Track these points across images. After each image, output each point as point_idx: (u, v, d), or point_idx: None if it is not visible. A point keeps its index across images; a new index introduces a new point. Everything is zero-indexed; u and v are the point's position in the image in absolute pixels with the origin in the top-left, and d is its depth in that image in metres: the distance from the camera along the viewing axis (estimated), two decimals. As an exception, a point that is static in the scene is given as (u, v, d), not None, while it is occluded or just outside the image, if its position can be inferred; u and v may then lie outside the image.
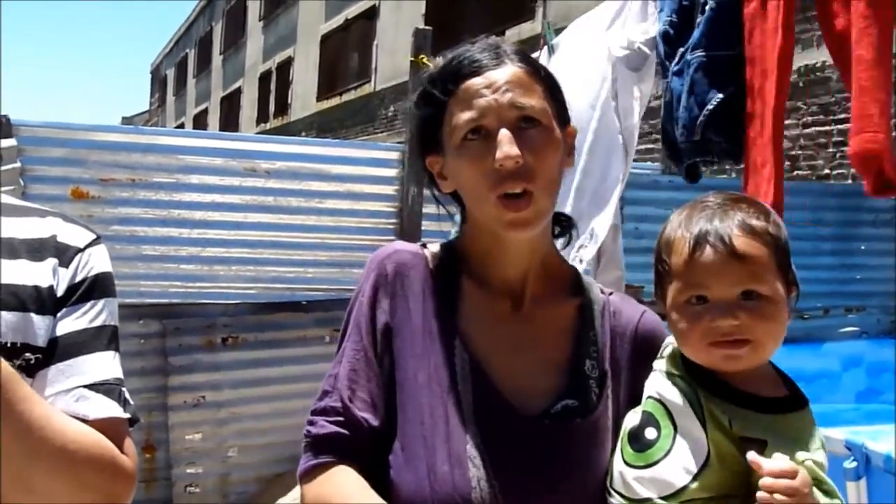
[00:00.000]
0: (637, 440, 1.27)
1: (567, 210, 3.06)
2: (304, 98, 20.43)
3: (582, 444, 1.29)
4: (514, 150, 1.22)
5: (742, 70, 2.74)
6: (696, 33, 2.84)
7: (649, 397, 1.30)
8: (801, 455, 1.16)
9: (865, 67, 2.20)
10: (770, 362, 1.29)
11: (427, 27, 5.60)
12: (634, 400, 1.33)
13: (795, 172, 6.56)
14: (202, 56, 32.77)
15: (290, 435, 5.33)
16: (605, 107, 3.27)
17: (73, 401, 1.13)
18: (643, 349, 1.37)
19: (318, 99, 19.49)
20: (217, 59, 30.20)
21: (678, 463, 1.22)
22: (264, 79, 23.95)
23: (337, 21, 18.63)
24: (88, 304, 1.20)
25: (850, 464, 3.17)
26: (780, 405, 1.24)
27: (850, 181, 7.22)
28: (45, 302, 1.16)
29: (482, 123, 1.26)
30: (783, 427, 1.21)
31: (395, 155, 5.57)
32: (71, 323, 1.17)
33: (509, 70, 1.29)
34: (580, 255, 3.17)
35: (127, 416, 1.19)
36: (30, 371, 1.12)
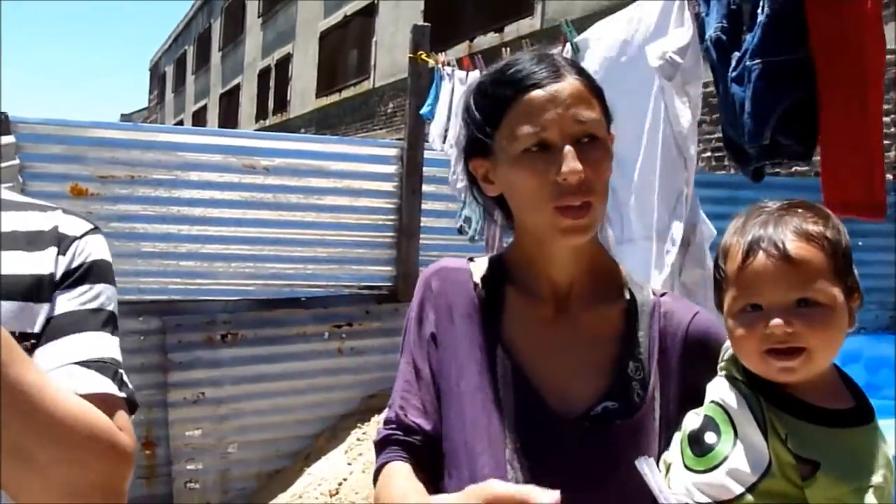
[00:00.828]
0: (697, 444, 1.25)
1: (632, 221, 3.11)
2: (304, 95, 20.41)
3: (624, 446, 1.28)
4: (579, 166, 1.24)
5: (807, 73, 2.75)
6: (753, 39, 2.85)
7: (711, 401, 1.27)
8: (852, 484, 1.13)
9: None
10: (837, 369, 1.26)
11: (426, 24, 5.61)
12: (688, 400, 1.32)
13: (794, 169, 6.56)
14: (201, 53, 32.73)
15: (290, 431, 5.37)
16: (654, 115, 3.29)
17: (65, 377, 1.10)
18: (695, 349, 1.36)
19: (318, 95, 19.46)
20: (216, 56, 30.15)
21: (738, 469, 1.19)
22: (263, 75, 23.92)
23: (336, 18, 18.60)
24: (84, 287, 1.19)
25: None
26: (841, 418, 1.20)
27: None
28: (45, 290, 1.16)
29: (545, 136, 1.27)
30: (841, 444, 1.17)
31: (393, 151, 5.59)
32: (65, 304, 1.17)
33: (570, 83, 1.30)
34: (665, 260, 3.20)
35: (123, 395, 1.15)
36: None
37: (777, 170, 6.69)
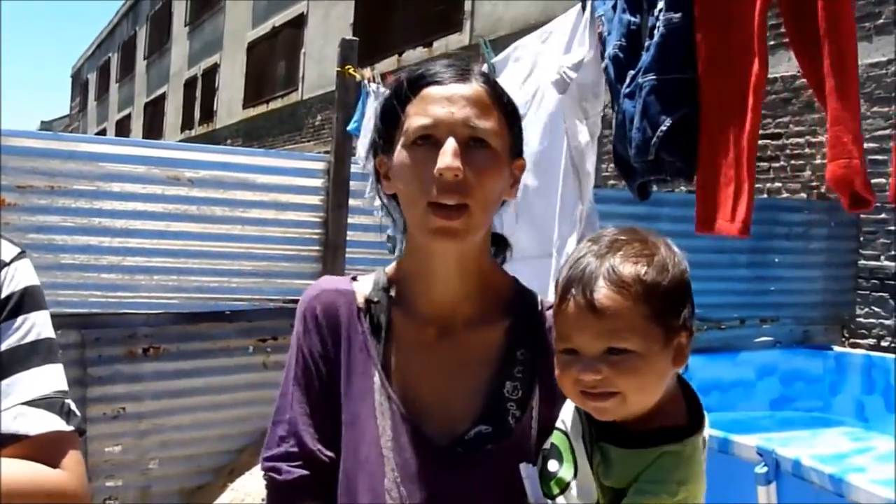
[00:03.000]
0: (543, 471, 1.25)
1: (554, 237, 3.13)
2: (230, 105, 20.23)
3: (497, 470, 1.28)
4: (456, 163, 1.23)
5: (694, 92, 2.85)
6: (647, 57, 2.95)
7: (556, 427, 1.28)
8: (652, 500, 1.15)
9: (837, 97, 2.33)
10: (682, 381, 1.26)
11: (354, 38, 5.62)
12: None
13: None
14: (126, 61, 32.18)
15: (213, 446, 5.29)
16: (554, 132, 3.36)
17: (11, 419, 1.12)
18: None
19: (245, 106, 19.32)
20: (141, 64, 29.69)
21: (574, 500, 1.20)
22: (189, 85, 23.63)
23: (264, 28, 18.50)
24: (20, 320, 1.18)
25: (760, 469, 3.28)
26: (648, 439, 1.19)
27: (765, 195, 7.45)
28: None
29: (433, 132, 1.27)
30: (642, 464, 1.17)
31: (320, 165, 5.57)
32: (5, 341, 1.16)
33: (472, 88, 1.30)
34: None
35: (70, 428, 1.18)
36: None
37: (670, 188, 6.87)
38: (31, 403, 1.15)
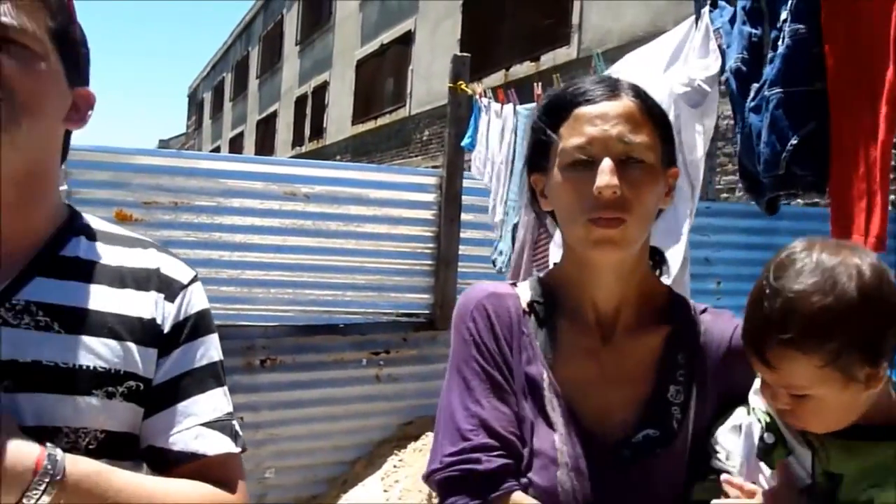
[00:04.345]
0: (761, 441, 1.29)
1: None
2: (339, 122, 20.58)
3: (663, 472, 1.32)
4: (614, 181, 1.26)
5: (822, 104, 2.76)
6: (772, 70, 2.87)
7: (764, 410, 1.31)
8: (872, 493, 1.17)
9: None
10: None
11: (465, 54, 5.65)
12: (726, 406, 1.36)
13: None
14: (239, 80, 33.15)
15: (327, 457, 5.39)
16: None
17: (192, 438, 1.19)
18: (737, 358, 1.36)
19: (353, 123, 19.62)
20: (253, 84, 30.53)
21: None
22: (300, 102, 24.16)
23: (372, 46, 18.79)
24: (196, 342, 1.24)
25: None
26: (873, 433, 1.21)
27: None
28: (148, 333, 1.19)
29: (588, 151, 1.30)
30: (869, 456, 1.20)
31: (432, 180, 5.62)
32: (184, 363, 1.22)
33: (623, 104, 1.32)
34: None
35: (238, 450, 1.24)
36: (131, 397, 1.16)
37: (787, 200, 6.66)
38: (208, 425, 1.21)
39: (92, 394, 1.12)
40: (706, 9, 3.31)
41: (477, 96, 5.27)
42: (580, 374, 1.37)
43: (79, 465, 1.05)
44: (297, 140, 24.05)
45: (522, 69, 11.97)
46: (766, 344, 1.18)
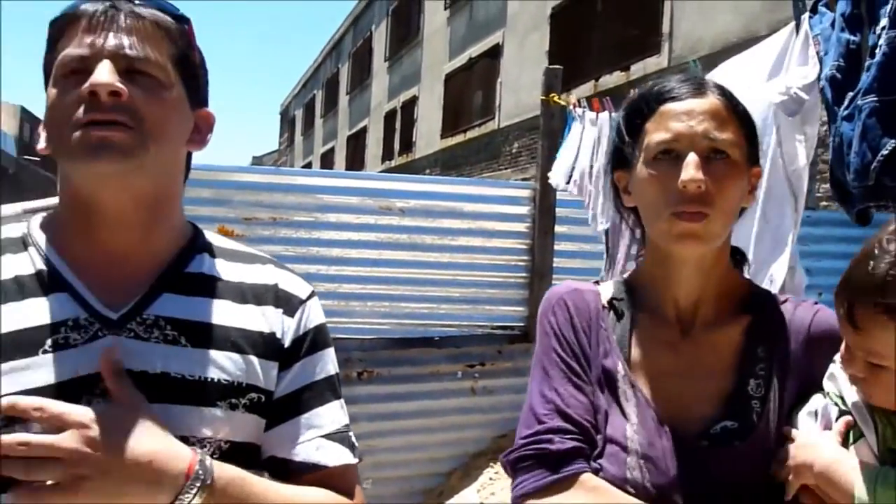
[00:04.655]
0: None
1: (750, 254, 3.06)
2: (429, 136, 20.74)
3: (741, 464, 1.31)
4: (699, 175, 1.28)
5: None
6: (867, 78, 2.79)
7: (827, 394, 1.32)
8: None
9: None
10: None
11: (557, 66, 5.65)
12: (806, 394, 1.35)
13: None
14: (329, 97, 33.72)
15: (423, 468, 5.42)
16: (773, 153, 3.24)
17: (313, 450, 1.23)
18: (817, 345, 1.37)
19: (443, 136, 19.74)
20: (343, 100, 31.00)
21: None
22: (389, 117, 24.44)
23: (461, 60, 18.89)
24: (315, 356, 1.28)
25: None
26: None
27: None
28: (268, 347, 1.24)
29: (674, 146, 1.32)
30: None
31: (526, 193, 5.63)
32: (304, 377, 1.26)
33: (709, 101, 1.35)
34: None
35: (356, 461, 1.28)
36: (253, 409, 1.20)
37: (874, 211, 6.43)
38: (328, 437, 1.26)
39: (216, 405, 1.16)
40: (806, 15, 3.24)
41: (571, 107, 5.26)
42: (658, 366, 1.39)
43: (225, 471, 1.10)
44: (387, 154, 24.31)
45: (612, 79, 11.88)
46: (860, 303, 1.17)
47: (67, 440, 1.01)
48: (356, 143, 28.69)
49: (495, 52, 16.86)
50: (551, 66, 5.60)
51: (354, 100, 29.32)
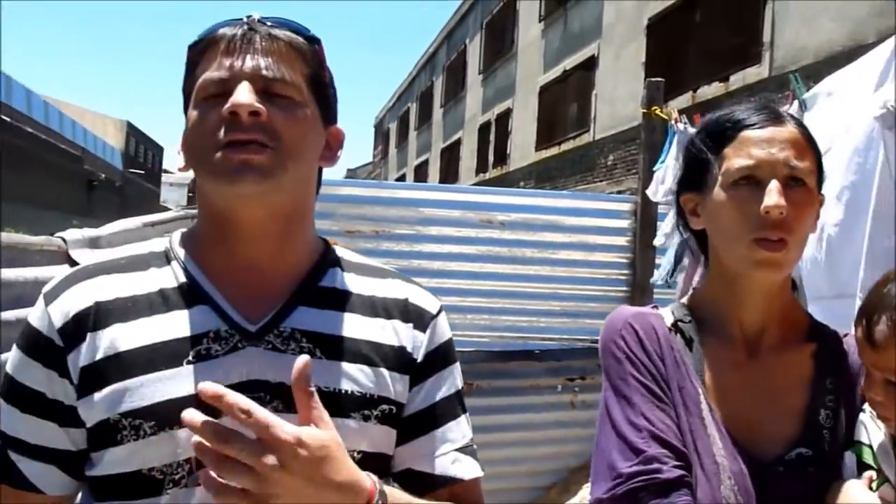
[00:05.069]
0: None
1: (860, 276, 3.01)
2: (523, 148, 20.75)
3: (816, 491, 1.32)
4: (782, 202, 1.30)
5: None
6: None
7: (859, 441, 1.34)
8: None
9: None
10: None
11: (658, 79, 5.60)
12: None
13: None
14: (423, 109, 34.08)
15: (523, 482, 5.42)
16: (882, 172, 3.17)
17: (450, 463, 1.28)
18: None
19: (537, 149, 19.73)
20: (437, 113, 31.27)
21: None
22: (483, 130, 24.54)
23: (555, 72, 18.87)
24: (446, 371, 1.32)
25: None
26: None
27: None
28: (399, 360, 1.27)
29: (755, 173, 1.34)
30: None
31: (627, 206, 5.60)
32: (437, 391, 1.30)
33: (788, 130, 1.37)
34: None
35: (482, 474, 1.32)
36: (384, 420, 1.24)
37: None
38: (461, 450, 1.30)
39: (350, 416, 1.19)
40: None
41: (672, 121, 5.21)
42: (728, 387, 1.39)
43: (396, 497, 1.13)
44: (481, 167, 24.40)
45: (710, 90, 11.72)
46: (878, 320, 1.23)
47: (270, 457, 0.98)
48: (450, 156, 28.88)
49: (590, 64, 16.79)
50: (652, 80, 5.56)
51: (448, 112, 29.53)
